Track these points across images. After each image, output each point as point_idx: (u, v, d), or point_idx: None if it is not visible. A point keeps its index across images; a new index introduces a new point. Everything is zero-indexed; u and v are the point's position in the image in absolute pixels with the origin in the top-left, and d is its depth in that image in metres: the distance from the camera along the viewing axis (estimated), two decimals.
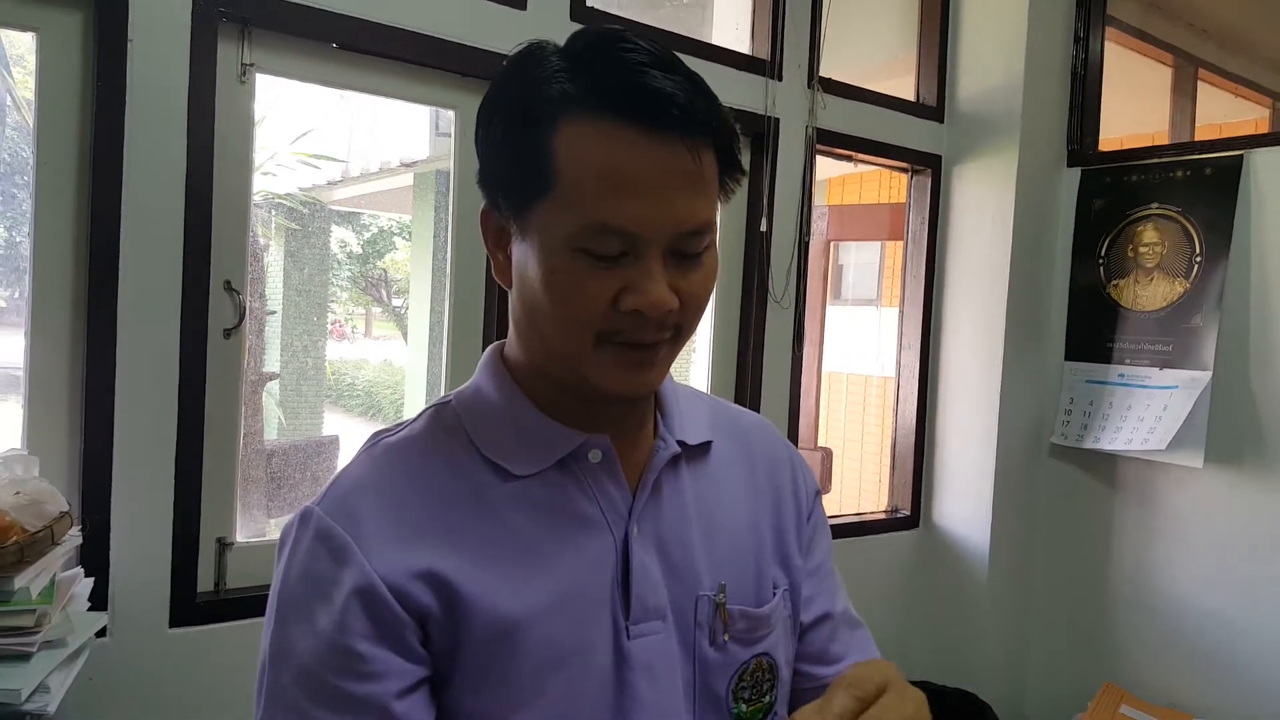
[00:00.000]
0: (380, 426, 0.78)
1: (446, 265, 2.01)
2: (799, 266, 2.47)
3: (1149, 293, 2.48)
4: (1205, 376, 2.32)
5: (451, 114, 1.99)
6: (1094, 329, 2.62)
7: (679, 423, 0.80)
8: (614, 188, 0.63)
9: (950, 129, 2.78)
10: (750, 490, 0.84)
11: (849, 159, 2.67)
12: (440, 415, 0.76)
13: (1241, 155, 2.31)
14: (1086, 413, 2.59)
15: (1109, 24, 2.74)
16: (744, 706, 0.77)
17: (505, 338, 0.78)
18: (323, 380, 2.96)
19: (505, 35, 1.92)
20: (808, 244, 2.48)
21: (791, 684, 0.84)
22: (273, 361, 2.73)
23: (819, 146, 2.48)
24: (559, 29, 1.98)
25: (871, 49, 2.97)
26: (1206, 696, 2.36)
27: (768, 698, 0.79)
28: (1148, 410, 2.42)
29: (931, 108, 2.76)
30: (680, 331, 0.70)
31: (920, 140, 2.72)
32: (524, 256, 0.69)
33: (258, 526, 2.09)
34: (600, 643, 0.71)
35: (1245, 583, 2.30)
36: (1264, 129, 3.49)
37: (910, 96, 2.78)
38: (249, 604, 1.70)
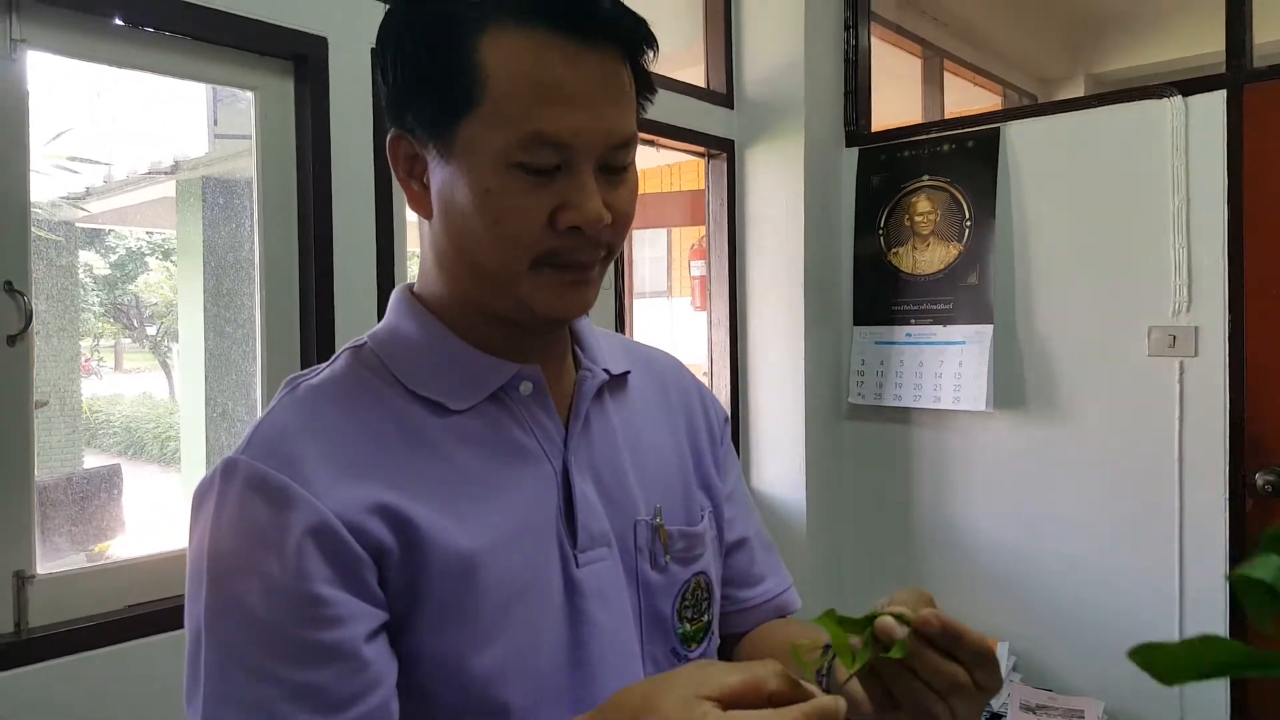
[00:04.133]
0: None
1: (256, 279, 1.90)
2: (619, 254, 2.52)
3: (926, 257, 2.74)
4: (988, 329, 2.59)
5: (251, 95, 1.87)
6: (878, 295, 2.85)
7: (599, 354, 0.80)
8: (549, 98, 0.63)
9: (740, 114, 2.93)
10: (667, 418, 0.85)
11: (653, 144, 2.75)
12: (359, 356, 0.73)
13: (998, 128, 2.61)
14: (879, 372, 2.82)
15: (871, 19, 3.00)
16: (688, 625, 0.79)
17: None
18: (80, 416, 2.62)
19: (308, 14, 1.82)
20: None
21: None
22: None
23: None
24: (366, 6, 1.91)
25: (661, 38, 3.08)
26: (1005, 621, 2.62)
27: (706, 616, 0.81)
28: (943, 366, 2.66)
29: (722, 94, 2.90)
30: (610, 251, 0.71)
31: (715, 125, 2.85)
32: (449, 180, 0.66)
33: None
34: (552, 573, 0.70)
35: (1029, 515, 2.58)
36: None
37: (702, 84, 2.91)
38: (58, 642, 1.51)
